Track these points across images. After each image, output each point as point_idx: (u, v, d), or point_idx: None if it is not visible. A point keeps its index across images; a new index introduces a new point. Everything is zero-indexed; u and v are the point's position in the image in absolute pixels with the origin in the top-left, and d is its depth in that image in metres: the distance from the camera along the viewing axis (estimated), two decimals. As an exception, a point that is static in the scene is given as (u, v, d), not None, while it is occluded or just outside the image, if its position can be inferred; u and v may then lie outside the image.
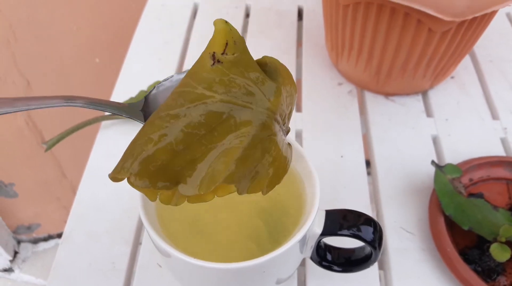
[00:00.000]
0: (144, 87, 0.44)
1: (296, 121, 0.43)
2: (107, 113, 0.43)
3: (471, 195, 0.37)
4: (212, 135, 0.20)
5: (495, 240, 0.33)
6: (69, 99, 0.22)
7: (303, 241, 0.25)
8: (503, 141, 0.42)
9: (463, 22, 0.36)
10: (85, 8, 0.66)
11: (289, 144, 0.24)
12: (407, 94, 0.45)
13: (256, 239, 0.28)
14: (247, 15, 0.54)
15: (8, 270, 0.95)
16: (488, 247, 0.33)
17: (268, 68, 0.23)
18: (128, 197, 0.36)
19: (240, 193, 0.21)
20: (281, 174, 0.23)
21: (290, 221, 0.27)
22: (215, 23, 0.21)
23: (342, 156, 0.40)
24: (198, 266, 0.23)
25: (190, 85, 0.20)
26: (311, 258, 0.30)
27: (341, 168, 0.39)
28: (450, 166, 0.36)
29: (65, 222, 0.36)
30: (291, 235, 0.26)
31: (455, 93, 0.46)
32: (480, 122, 0.43)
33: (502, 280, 0.33)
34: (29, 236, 0.97)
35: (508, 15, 0.55)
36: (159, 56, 0.48)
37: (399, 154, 0.41)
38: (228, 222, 0.28)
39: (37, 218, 0.94)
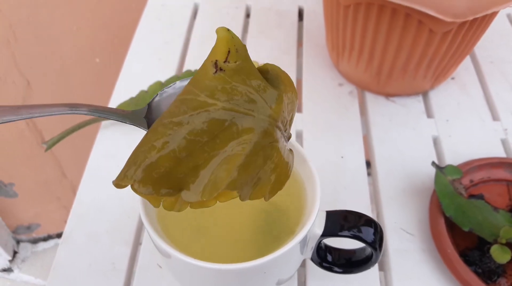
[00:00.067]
0: (145, 87, 0.44)
1: (296, 121, 0.43)
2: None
3: (471, 196, 0.36)
4: (214, 142, 0.21)
5: (495, 242, 0.33)
6: (73, 107, 0.22)
7: (303, 242, 0.25)
8: (504, 142, 0.42)
9: (463, 23, 0.36)
10: (85, 8, 0.66)
11: (290, 150, 0.24)
12: (408, 95, 0.45)
13: (257, 240, 0.28)
14: (247, 15, 0.54)
15: (8, 270, 0.95)
16: (489, 249, 0.33)
17: (270, 76, 0.23)
18: (129, 197, 0.36)
19: (242, 199, 0.21)
20: (283, 180, 0.23)
21: (290, 222, 0.27)
22: (217, 31, 0.21)
23: (342, 157, 0.40)
24: (199, 266, 0.23)
25: (192, 92, 0.21)
26: (312, 259, 0.30)
27: (342, 168, 0.39)
28: (450, 167, 0.36)
29: (65, 222, 0.36)
30: (291, 236, 0.26)
31: (456, 94, 0.46)
32: (481, 123, 0.43)
33: (503, 281, 0.33)
34: (29, 236, 0.97)
35: (508, 16, 0.55)
36: (160, 56, 0.48)
37: (399, 155, 0.41)
38: (228, 222, 0.28)
39: (37, 218, 0.94)
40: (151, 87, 0.44)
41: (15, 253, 0.96)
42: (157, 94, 0.24)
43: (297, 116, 0.43)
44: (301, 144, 0.41)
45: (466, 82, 0.47)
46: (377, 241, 0.27)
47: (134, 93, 0.44)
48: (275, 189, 0.23)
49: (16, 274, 0.96)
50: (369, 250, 0.28)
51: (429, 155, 0.41)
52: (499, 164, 0.38)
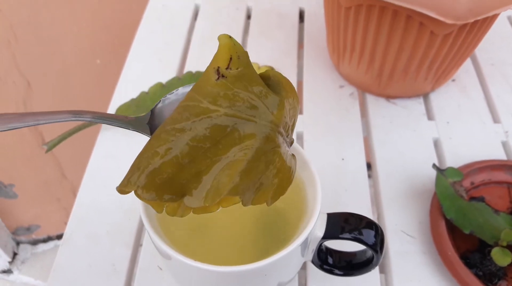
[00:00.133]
0: (145, 88, 0.44)
1: (297, 123, 0.43)
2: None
3: (472, 198, 0.36)
4: (216, 148, 0.21)
5: (496, 244, 0.33)
6: (77, 114, 0.23)
7: (304, 244, 0.25)
8: (504, 145, 0.42)
9: (464, 25, 0.36)
10: (86, 9, 0.66)
11: (293, 155, 0.25)
12: (409, 96, 0.45)
13: (258, 242, 0.28)
14: (248, 17, 0.54)
15: (7, 271, 0.95)
16: (489, 251, 0.33)
17: (271, 82, 0.23)
18: (129, 199, 0.36)
19: (244, 204, 0.21)
20: (286, 185, 0.23)
21: (291, 224, 0.27)
22: (219, 38, 0.21)
23: (343, 159, 0.40)
24: (199, 268, 0.23)
25: (195, 99, 0.21)
26: (312, 262, 0.30)
27: (342, 170, 0.39)
28: (451, 169, 0.36)
29: (65, 223, 0.36)
30: (292, 238, 0.25)
31: (457, 96, 0.46)
32: (481, 125, 0.43)
33: (503, 284, 0.33)
34: (29, 237, 0.97)
35: (509, 18, 0.55)
36: (160, 57, 0.48)
37: (400, 157, 0.41)
38: (229, 225, 0.28)
39: (37, 219, 0.94)
40: (151, 88, 0.44)
41: (14, 254, 0.96)
42: (160, 100, 0.24)
43: (297, 118, 0.43)
44: (302, 146, 0.41)
45: (467, 84, 0.47)
46: (378, 243, 0.26)
47: (135, 94, 0.43)
48: (278, 194, 0.23)
49: (15, 276, 0.96)
50: (370, 252, 0.28)
51: (429, 157, 0.41)
52: (500, 167, 0.38)
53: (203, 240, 0.27)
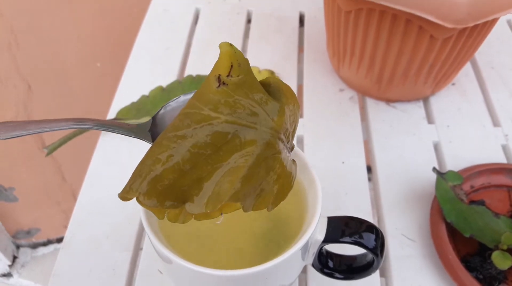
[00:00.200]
0: (146, 92, 0.44)
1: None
2: (109, 118, 0.43)
3: (472, 202, 0.36)
4: (217, 155, 0.21)
5: (496, 248, 0.33)
6: (79, 122, 0.23)
7: (305, 248, 0.25)
8: (504, 148, 0.42)
9: (464, 29, 0.36)
10: (87, 13, 0.67)
11: (293, 160, 0.25)
12: (409, 100, 0.45)
13: (258, 246, 0.28)
14: (248, 21, 0.54)
15: (7, 275, 0.95)
16: (490, 255, 0.33)
17: (272, 88, 0.23)
18: (129, 202, 0.36)
19: (245, 210, 0.21)
20: (286, 191, 0.23)
21: (292, 227, 0.27)
22: (220, 46, 0.21)
23: (343, 162, 0.40)
24: (200, 272, 0.23)
25: (196, 106, 0.21)
26: (313, 265, 0.30)
27: (343, 174, 0.39)
28: (451, 173, 0.36)
29: (65, 227, 0.36)
30: (293, 242, 0.26)
31: (456, 100, 0.46)
32: (481, 129, 0.43)
33: (504, 287, 0.33)
34: (29, 240, 0.97)
35: (509, 22, 0.55)
36: (161, 61, 0.48)
37: (400, 161, 0.41)
38: (230, 228, 0.28)
39: (37, 222, 0.94)
40: (152, 91, 0.44)
41: (14, 258, 0.96)
42: (161, 107, 0.25)
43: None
44: (302, 149, 0.41)
45: (466, 88, 0.47)
46: (378, 247, 0.27)
47: (135, 98, 0.44)
48: (278, 199, 0.23)
49: (15, 279, 0.95)
50: (370, 256, 0.28)
51: (430, 160, 0.41)
52: (500, 170, 0.38)
53: (204, 244, 0.27)
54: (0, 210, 0.88)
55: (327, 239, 0.26)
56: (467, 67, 0.49)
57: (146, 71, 0.47)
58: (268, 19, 0.54)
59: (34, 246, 0.98)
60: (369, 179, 0.39)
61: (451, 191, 0.35)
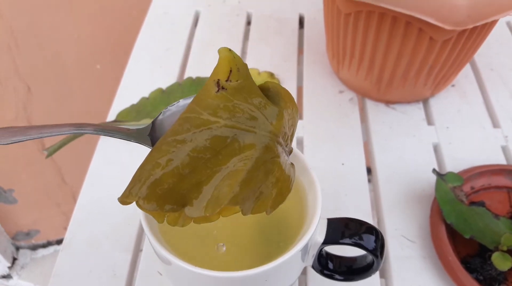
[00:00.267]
0: (146, 94, 0.44)
1: (297, 128, 0.43)
2: (108, 120, 0.43)
3: (472, 203, 0.36)
4: (217, 159, 0.21)
5: (496, 249, 0.33)
6: (80, 127, 0.23)
7: (305, 250, 0.25)
8: (504, 149, 0.42)
9: (464, 31, 0.36)
10: (87, 14, 0.67)
11: (292, 164, 0.25)
12: (408, 102, 0.45)
13: (258, 247, 0.28)
14: (248, 23, 0.54)
15: (7, 276, 0.95)
16: (490, 256, 0.33)
17: (270, 93, 0.24)
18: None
19: (244, 213, 0.22)
20: (285, 194, 0.24)
21: (292, 229, 0.27)
22: (219, 51, 0.22)
23: (343, 164, 0.40)
24: (199, 274, 0.23)
25: (195, 111, 0.21)
26: (313, 267, 0.30)
27: (342, 175, 0.39)
28: (451, 174, 0.36)
29: (65, 228, 0.36)
30: (293, 244, 0.26)
31: (456, 101, 0.46)
32: (481, 130, 0.44)
33: (504, 289, 0.33)
34: (28, 242, 0.97)
35: (508, 23, 0.55)
36: (161, 63, 0.48)
37: (400, 162, 0.41)
38: (229, 230, 0.28)
39: (36, 224, 0.94)
40: (152, 93, 0.44)
41: (14, 259, 0.96)
42: (161, 112, 0.25)
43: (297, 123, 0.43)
44: (302, 151, 0.41)
45: (466, 90, 0.47)
46: (378, 248, 0.27)
47: (135, 100, 0.44)
48: (277, 203, 0.23)
49: (15, 281, 0.95)
50: (370, 257, 0.28)
51: (429, 162, 0.41)
52: (500, 171, 0.38)
53: (203, 246, 0.27)
54: (0, 211, 0.88)
55: (327, 241, 0.26)
56: (467, 68, 0.49)
57: (146, 73, 0.47)
58: (268, 21, 0.54)
59: (34, 247, 0.98)
60: (369, 181, 0.39)
61: (451, 192, 0.35)
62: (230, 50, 0.22)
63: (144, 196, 0.20)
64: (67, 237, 0.35)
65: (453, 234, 0.35)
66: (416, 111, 0.45)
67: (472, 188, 0.37)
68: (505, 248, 0.33)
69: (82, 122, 0.24)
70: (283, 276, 0.26)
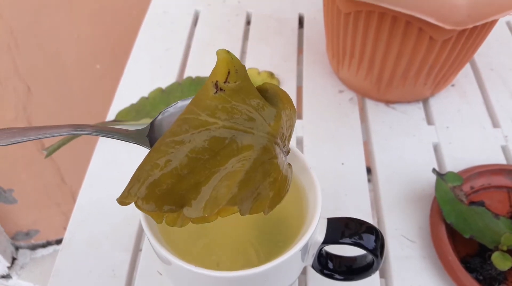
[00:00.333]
0: (145, 93, 0.44)
1: (297, 128, 0.43)
2: (108, 120, 0.43)
3: (472, 203, 0.36)
4: (215, 160, 0.21)
5: (496, 249, 0.33)
6: (78, 128, 0.24)
7: (305, 249, 0.25)
8: (504, 149, 0.42)
9: (463, 30, 0.36)
10: (87, 14, 0.67)
11: (289, 164, 0.25)
12: (408, 102, 0.45)
13: (258, 247, 0.28)
14: (248, 23, 0.54)
15: (6, 276, 0.95)
16: (490, 256, 0.33)
17: (269, 94, 0.24)
18: (129, 204, 0.36)
19: (242, 214, 0.22)
20: (282, 194, 0.24)
21: (292, 229, 0.27)
22: (217, 53, 0.22)
23: (343, 164, 0.40)
24: (199, 274, 0.23)
25: (194, 112, 0.21)
26: (313, 267, 0.30)
27: (342, 175, 0.39)
28: (451, 174, 0.36)
29: (64, 228, 0.36)
30: (293, 243, 0.26)
31: (456, 101, 0.46)
32: (481, 130, 0.44)
33: (504, 289, 0.33)
34: (28, 242, 0.97)
35: (508, 23, 0.55)
36: (160, 62, 0.48)
37: (400, 162, 0.41)
38: (229, 230, 0.28)
39: (36, 224, 0.94)
40: (151, 93, 0.44)
41: (13, 259, 0.96)
42: (160, 113, 0.25)
43: (297, 123, 0.43)
44: (302, 150, 0.41)
45: (466, 89, 0.47)
46: (378, 248, 0.26)
47: (135, 100, 0.44)
48: (274, 203, 0.23)
49: (14, 281, 0.95)
50: (370, 257, 0.28)
51: (429, 161, 0.41)
52: (500, 171, 0.38)
53: (203, 246, 0.27)
54: (0, 211, 0.88)
55: (327, 240, 0.26)
56: (467, 68, 0.49)
57: (145, 73, 0.47)
58: (268, 21, 0.54)
59: (33, 247, 0.98)
60: (369, 181, 0.39)
61: (451, 192, 0.35)
62: (228, 51, 0.22)
63: (143, 196, 0.21)
64: (66, 237, 0.35)
65: (453, 234, 0.35)
66: (416, 111, 0.45)
67: (472, 187, 0.37)
68: (505, 248, 0.33)
69: (81, 123, 0.25)
70: (283, 275, 0.26)
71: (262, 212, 0.23)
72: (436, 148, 0.42)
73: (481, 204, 0.36)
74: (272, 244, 0.27)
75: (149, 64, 0.48)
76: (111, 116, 0.43)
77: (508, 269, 0.32)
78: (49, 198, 0.89)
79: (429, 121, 0.45)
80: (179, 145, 0.21)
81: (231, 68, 0.22)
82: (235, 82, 0.22)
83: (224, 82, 0.22)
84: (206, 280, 0.24)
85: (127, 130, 0.25)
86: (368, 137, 0.43)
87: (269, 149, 0.22)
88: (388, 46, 0.39)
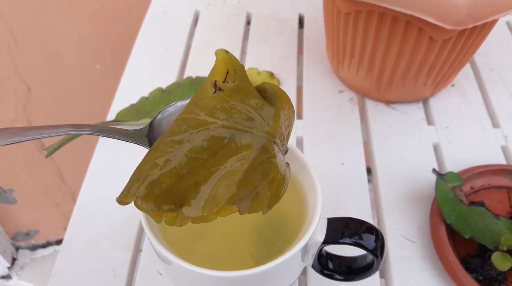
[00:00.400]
0: (145, 93, 0.44)
1: (297, 128, 0.43)
2: (108, 120, 0.43)
3: (472, 203, 0.36)
4: (214, 159, 0.21)
5: (496, 249, 0.33)
6: (78, 127, 0.24)
7: (305, 249, 0.25)
8: (504, 149, 0.42)
9: (463, 30, 0.36)
10: (87, 14, 0.67)
11: (287, 163, 0.25)
12: (408, 102, 0.45)
13: (258, 247, 0.28)
14: (248, 23, 0.54)
15: (6, 277, 0.95)
16: (490, 256, 0.33)
17: (267, 94, 0.24)
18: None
19: (241, 213, 0.22)
20: (281, 194, 0.24)
21: (292, 229, 0.27)
22: (216, 53, 0.22)
23: (343, 164, 0.40)
24: (200, 274, 0.23)
25: (193, 111, 0.21)
26: (313, 267, 0.30)
27: (342, 175, 0.39)
28: (451, 174, 0.36)
29: (64, 228, 0.36)
30: (293, 243, 0.26)
31: (456, 101, 0.46)
32: (481, 130, 0.44)
33: (504, 289, 0.33)
34: (28, 242, 0.97)
35: (508, 23, 0.55)
36: (160, 62, 0.48)
37: (400, 162, 0.41)
38: (229, 230, 0.28)
39: (36, 224, 0.94)
40: (151, 93, 0.44)
41: (13, 260, 0.96)
42: (159, 113, 0.25)
43: (297, 123, 0.43)
44: (302, 150, 0.41)
45: (466, 89, 0.47)
46: (378, 248, 0.26)
47: (135, 100, 0.44)
48: (273, 202, 0.23)
49: (14, 281, 0.95)
50: (370, 257, 0.28)
51: (429, 162, 0.41)
52: (500, 171, 0.38)
53: (203, 246, 0.27)
54: (0, 212, 0.88)
55: (327, 240, 0.26)
56: (467, 68, 0.49)
57: (145, 73, 0.47)
58: (268, 21, 0.54)
59: (33, 248, 0.98)
60: (369, 181, 0.39)
61: (451, 192, 0.35)
62: (227, 51, 0.22)
63: (142, 196, 0.21)
64: (66, 237, 0.35)
65: (453, 234, 0.35)
66: (416, 111, 0.45)
67: (472, 188, 0.37)
68: (505, 248, 0.33)
69: (81, 122, 0.25)
70: (283, 276, 0.26)
71: (261, 212, 0.23)
72: (436, 148, 0.42)
73: (481, 204, 0.36)
74: (272, 244, 0.27)
75: (149, 64, 0.48)
76: (111, 116, 0.43)
77: (508, 269, 0.32)
78: (49, 198, 0.89)
79: (429, 121, 0.45)
80: (178, 144, 0.21)
81: (230, 68, 0.22)
82: (233, 82, 0.22)
83: (223, 82, 0.22)
84: (207, 280, 0.24)
85: (126, 130, 0.25)
86: (368, 137, 0.43)
87: (267, 148, 0.22)
88: (388, 46, 0.39)
